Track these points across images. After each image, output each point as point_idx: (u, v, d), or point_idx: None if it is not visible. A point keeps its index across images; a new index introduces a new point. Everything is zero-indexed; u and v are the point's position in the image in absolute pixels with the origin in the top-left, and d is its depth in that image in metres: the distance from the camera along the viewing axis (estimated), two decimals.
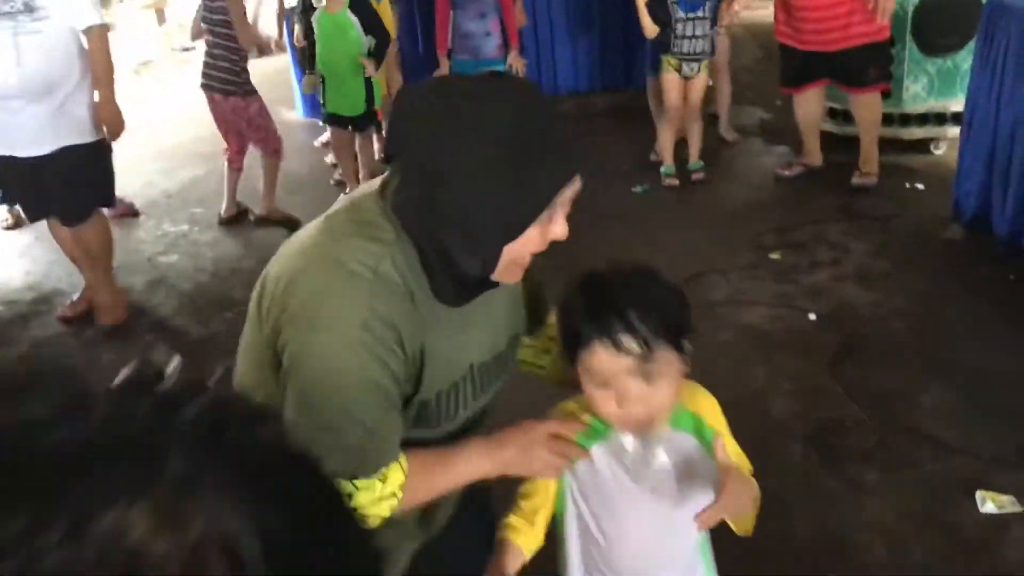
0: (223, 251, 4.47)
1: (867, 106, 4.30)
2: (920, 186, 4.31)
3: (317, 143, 5.72)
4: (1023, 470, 2.47)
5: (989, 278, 3.48)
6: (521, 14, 5.18)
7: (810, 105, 4.47)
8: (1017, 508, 2.34)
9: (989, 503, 2.34)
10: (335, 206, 1.24)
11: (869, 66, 4.17)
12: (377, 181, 1.22)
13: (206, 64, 4.54)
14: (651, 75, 4.80)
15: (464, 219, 1.08)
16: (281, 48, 5.76)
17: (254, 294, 1.24)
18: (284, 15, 5.45)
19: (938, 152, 4.62)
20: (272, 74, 7.02)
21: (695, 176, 4.68)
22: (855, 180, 4.35)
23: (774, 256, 3.84)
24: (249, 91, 4.53)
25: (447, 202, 1.07)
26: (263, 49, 5.90)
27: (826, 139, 4.85)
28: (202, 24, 4.53)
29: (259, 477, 0.39)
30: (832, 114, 4.83)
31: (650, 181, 4.70)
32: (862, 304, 3.43)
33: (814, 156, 4.59)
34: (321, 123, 5.27)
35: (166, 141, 6.08)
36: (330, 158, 5.28)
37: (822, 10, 4.11)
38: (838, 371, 3.01)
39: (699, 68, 4.47)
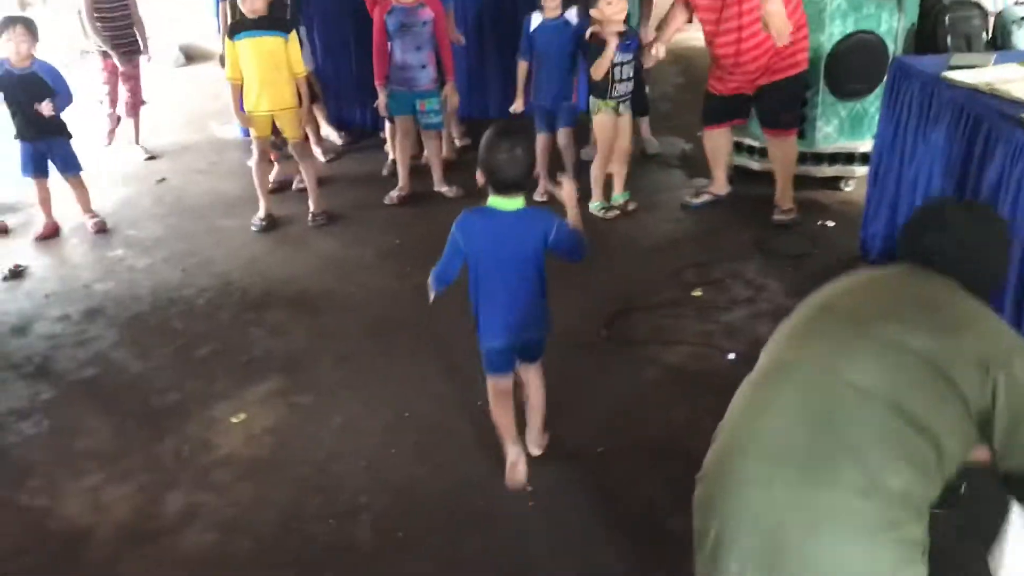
0: (161, 279, 4.51)
1: (781, 147, 4.59)
2: (831, 223, 4.58)
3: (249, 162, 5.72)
4: None
5: None
6: (454, 32, 5.32)
7: (719, 140, 4.82)
8: None
9: None
10: None
11: (782, 110, 4.48)
12: None
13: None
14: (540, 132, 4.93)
15: None
16: None
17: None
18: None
19: (847, 189, 4.92)
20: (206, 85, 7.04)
21: (629, 206, 4.90)
22: (775, 217, 4.61)
23: (695, 293, 4.07)
24: None
25: None
26: None
27: (742, 174, 5.13)
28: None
29: None
30: (750, 150, 5.10)
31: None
32: None
33: (720, 185, 4.92)
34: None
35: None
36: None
37: (749, 62, 4.36)
38: None
39: (627, 107, 4.70)
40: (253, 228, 4.97)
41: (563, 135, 4.95)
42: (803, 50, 4.41)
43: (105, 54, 5.76)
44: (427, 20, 4.82)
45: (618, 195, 4.94)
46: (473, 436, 3.20)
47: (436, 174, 5.26)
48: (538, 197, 4.79)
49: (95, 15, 5.65)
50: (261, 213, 5.02)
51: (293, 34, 4.73)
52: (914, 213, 2.20)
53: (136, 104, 5.99)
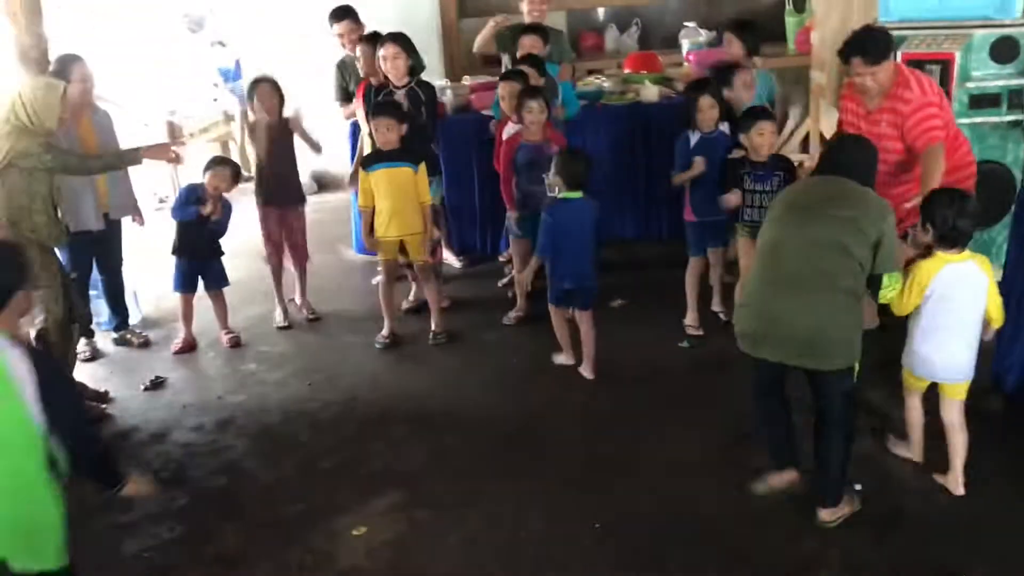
0: (289, 392, 4.70)
1: None
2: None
3: (374, 282, 5.94)
4: None
5: None
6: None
7: None
8: None
9: None
10: None
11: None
12: None
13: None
14: (693, 255, 5.05)
15: None
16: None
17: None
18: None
19: None
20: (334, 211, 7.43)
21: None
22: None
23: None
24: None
25: None
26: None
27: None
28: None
29: None
30: None
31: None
32: (906, 474, 3.55)
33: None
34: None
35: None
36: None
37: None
38: (885, 543, 3.13)
39: None
40: (377, 345, 5.15)
41: (713, 255, 5.06)
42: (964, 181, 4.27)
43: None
44: (552, 154, 5.02)
45: None
46: (589, 559, 3.18)
47: None
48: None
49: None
50: (385, 331, 5.21)
51: (422, 166, 5.01)
52: (829, 147, 3.77)
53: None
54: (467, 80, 6.79)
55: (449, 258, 6.37)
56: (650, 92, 6.31)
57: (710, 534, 3.28)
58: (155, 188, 8.01)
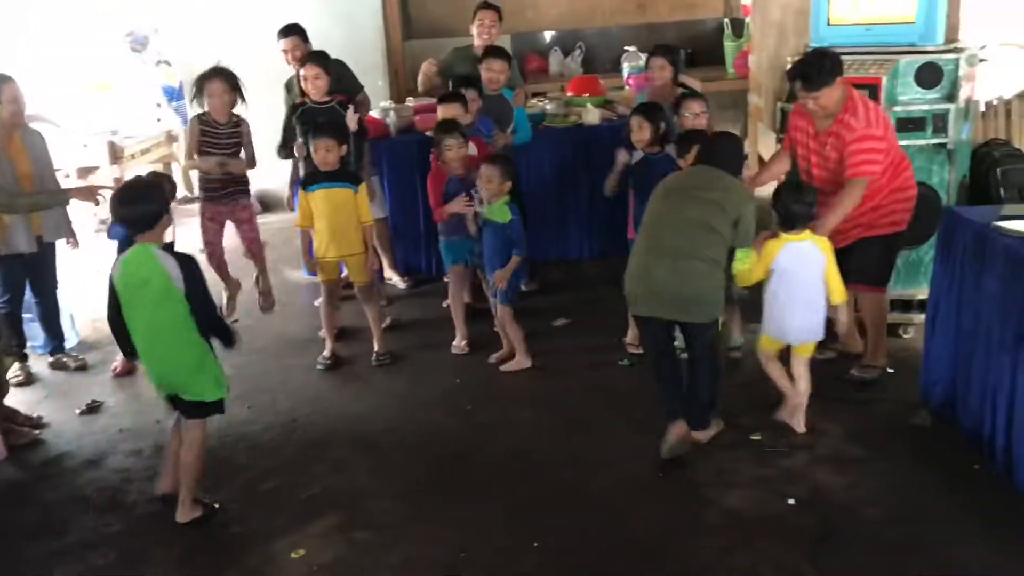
0: (228, 415, 4.64)
1: (865, 305, 4.53)
2: (891, 370, 4.56)
3: (316, 303, 5.92)
4: None
5: (956, 466, 3.71)
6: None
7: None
8: None
9: None
10: None
11: (865, 265, 4.38)
12: None
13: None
14: None
15: None
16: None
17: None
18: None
19: (907, 336, 4.92)
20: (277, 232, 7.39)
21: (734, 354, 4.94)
22: (854, 372, 4.53)
23: (755, 437, 4.06)
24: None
25: None
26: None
27: None
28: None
29: None
30: None
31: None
32: (837, 489, 3.63)
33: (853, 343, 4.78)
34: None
35: None
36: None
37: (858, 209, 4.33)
38: (817, 558, 3.19)
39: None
40: (319, 367, 5.13)
41: None
42: (898, 212, 4.37)
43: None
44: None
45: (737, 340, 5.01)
46: None
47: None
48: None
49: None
50: (327, 352, 5.20)
51: (362, 186, 5.03)
52: (705, 142, 4.32)
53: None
54: (411, 101, 6.82)
55: (393, 278, 6.38)
56: (592, 115, 6.42)
57: (651, 551, 3.31)
58: (96, 210, 7.89)
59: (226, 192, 5.51)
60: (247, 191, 5.67)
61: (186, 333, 3.55)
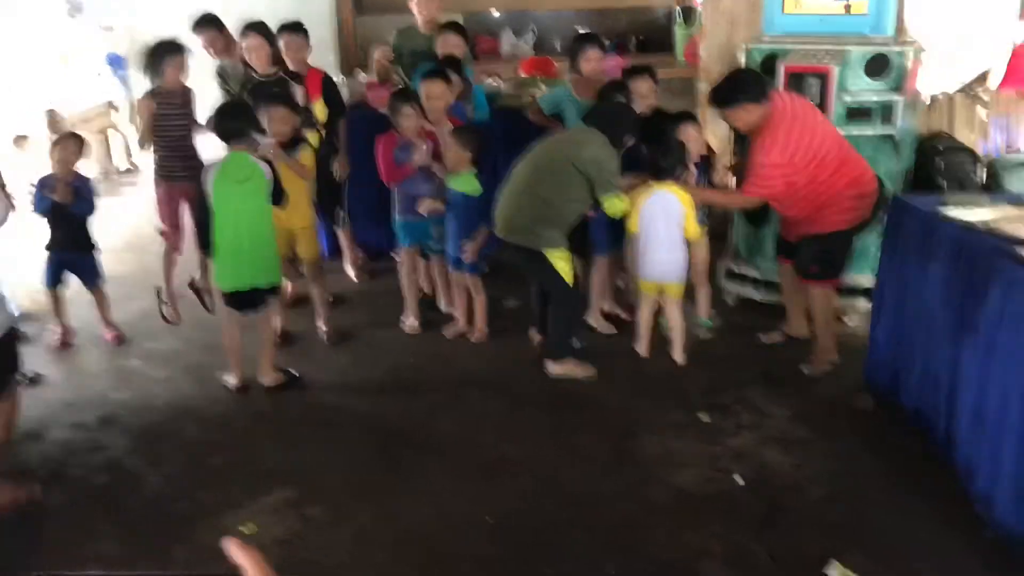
0: (176, 389, 4.58)
1: (814, 298, 4.58)
2: (835, 355, 4.67)
3: None
4: None
5: (898, 448, 3.82)
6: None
7: (785, 278, 4.84)
8: None
9: None
10: None
11: (810, 261, 4.47)
12: None
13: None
14: (598, 254, 5.18)
15: None
16: None
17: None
18: None
19: (852, 323, 5.04)
20: None
21: (702, 334, 5.05)
22: (804, 368, 4.58)
23: (703, 417, 4.13)
24: None
25: None
26: None
27: (749, 306, 5.28)
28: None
29: None
30: (754, 282, 5.28)
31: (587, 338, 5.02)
32: (783, 469, 3.71)
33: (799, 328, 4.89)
34: None
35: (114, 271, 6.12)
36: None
37: (796, 211, 4.48)
38: (764, 537, 3.26)
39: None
40: None
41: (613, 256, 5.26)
42: (846, 211, 4.37)
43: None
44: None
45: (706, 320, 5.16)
46: (479, 552, 3.21)
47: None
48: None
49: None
50: (277, 328, 5.13)
51: (304, 149, 4.96)
52: (591, 105, 4.78)
53: None
54: (362, 76, 6.75)
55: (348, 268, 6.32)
56: (543, 94, 6.40)
57: (602, 528, 3.35)
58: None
59: (187, 171, 5.25)
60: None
61: (269, 225, 4.43)
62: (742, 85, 4.29)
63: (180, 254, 5.55)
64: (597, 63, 5.34)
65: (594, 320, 5.18)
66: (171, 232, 5.49)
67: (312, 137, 5.64)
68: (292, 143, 4.88)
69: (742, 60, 5.15)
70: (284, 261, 5.09)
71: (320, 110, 5.64)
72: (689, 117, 4.86)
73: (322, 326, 5.16)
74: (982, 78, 7.33)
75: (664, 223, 4.55)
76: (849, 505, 3.45)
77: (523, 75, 7.12)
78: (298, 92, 5.38)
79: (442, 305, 5.44)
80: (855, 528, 3.29)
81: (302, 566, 3.17)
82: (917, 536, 3.23)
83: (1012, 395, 3.06)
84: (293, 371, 4.66)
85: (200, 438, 4.10)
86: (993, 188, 5.55)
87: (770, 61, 5.01)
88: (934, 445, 3.70)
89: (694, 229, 4.59)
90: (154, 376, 4.74)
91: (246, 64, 5.46)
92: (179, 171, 5.33)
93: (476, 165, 4.89)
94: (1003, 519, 3.09)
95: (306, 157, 4.94)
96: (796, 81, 4.81)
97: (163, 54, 5.20)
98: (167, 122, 5.27)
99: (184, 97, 5.34)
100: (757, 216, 5.20)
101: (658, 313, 4.84)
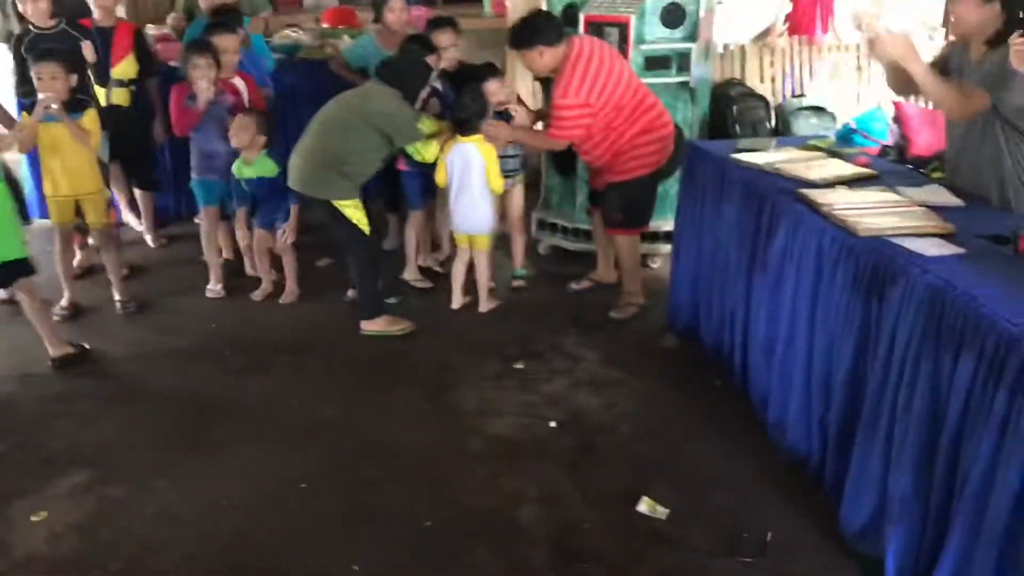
0: None
1: (619, 246, 4.70)
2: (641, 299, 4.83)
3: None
4: (731, 559, 2.87)
5: (699, 383, 3.99)
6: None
7: (597, 227, 4.96)
8: None
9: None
10: None
11: (614, 209, 4.57)
12: None
13: None
14: (414, 208, 5.13)
15: None
16: None
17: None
18: None
19: (654, 266, 5.22)
20: None
21: (516, 284, 5.08)
22: (612, 313, 4.70)
23: (518, 366, 4.18)
24: None
25: None
26: None
27: (560, 255, 5.37)
28: None
29: None
30: (564, 231, 5.36)
31: (402, 293, 4.96)
32: (595, 410, 3.81)
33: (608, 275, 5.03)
34: None
35: None
36: None
37: (596, 158, 4.56)
38: (577, 476, 3.34)
39: (514, 183, 4.91)
40: (55, 318, 4.71)
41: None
42: (643, 155, 4.47)
43: None
44: (229, 104, 4.87)
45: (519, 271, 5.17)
46: (294, 517, 3.13)
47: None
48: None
49: None
50: (64, 302, 4.78)
51: (90, 112, 4.60)
52: (384, 62, 4.66)
53: None
54: (151, 29, 6.34)
55: (131, 220, 5.96)
56: (347, 46, 6.22)
57: (420, 483, 3.32)
58: None
59: None
60: None
61: None
62: (537, 27, 4.30)
63: None
64: (401, 13, 5.24)
65: (410, 274, 5.13)
66: None
67: (120, 96, 5.29)
68: (75, 105, 4.51)
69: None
70: (69, 228, 4.75)
71: (129, 67, 5.27)
72: (492, 69, 4.82)
73: (117, 295, 4.85)
74: (771, 28, 7.71)
75: (467, 175, 4.56)
76: (655, 440, 3.58)
77: (326, 26, 6.88)
78: (87, 48, 4.98)
79: (248, 268, 5.23)
80: (661, 461, 3.42)
81: (103, 551, 2.98)
82: (717, 465, 3.39)
83: (798, 327, 3.25)
84: (84, 344, 4.36)
85: None
86: (783, 133, 5.87)
87: (571, 10, 5.07)
88: (732, 378, 3.89)
89: (496, 182, 4.59)
90: None
91: (21, 18, 5.01)
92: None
93: (267, 142, 4.82)
94: (793, 444, 3.29)
95: (89, 120, 4.56)
96: (596, 30, 4.88)
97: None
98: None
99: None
100: (565, 166, 5.28)
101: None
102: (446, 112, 4.71)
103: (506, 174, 4.75)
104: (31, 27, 5.01)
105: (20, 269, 4.10)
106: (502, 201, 4.89)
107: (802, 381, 3.22)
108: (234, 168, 4.81)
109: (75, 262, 5.15)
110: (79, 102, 4.57)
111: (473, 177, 4.56)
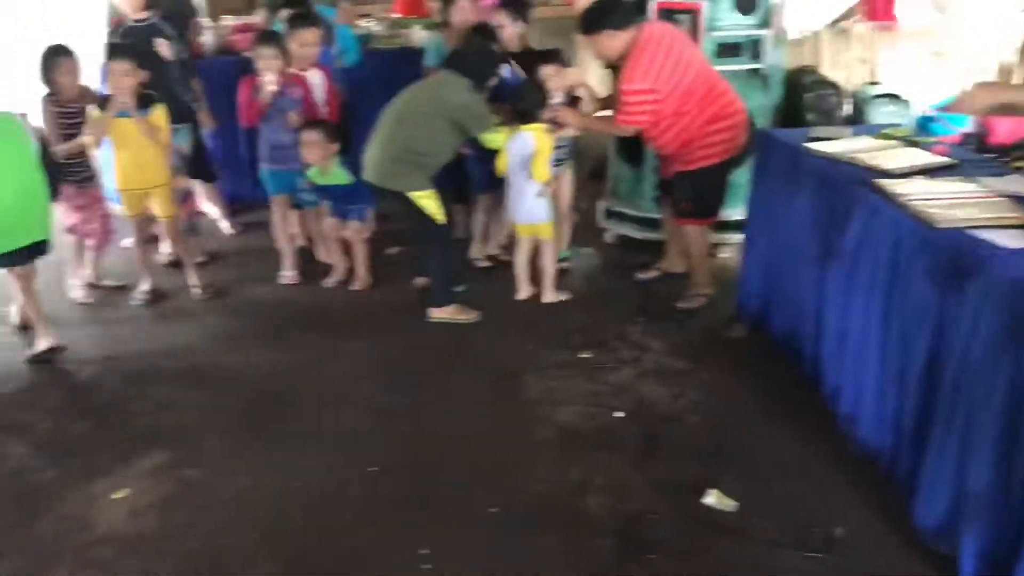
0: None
1: (689, 236, 4.64)
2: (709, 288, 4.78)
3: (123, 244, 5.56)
4: (798, 553, 2.83)
5: (770, 374, 3.94)
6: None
7: (666, 215, 4.91)
8: None
9: None
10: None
11: (684, 199, 4.53)
12: None
13: None
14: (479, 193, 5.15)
15: None
16: None
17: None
18: None
19: (724, 256, 5.16)
20: None
21: (561, 265, 5.05)
22: (680, 303, 4.66)
23: (584, 355, 4.17)
24: None
25: None
26: None
27: (627, 244, 5.34)
28: None
29: None
30: (631, 220, 5.34)
31: (468, 281, 5.00)
32: (661, 400, 3.79)
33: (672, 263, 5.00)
34: None
35: None
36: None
37: (664, 145, 4.50)
38: (644, 466, 3.33)
39: (562, 170, 4.91)
40: (134, 303, 4.86)
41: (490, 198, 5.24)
42: (714, 144, 4.39)
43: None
44: (296, 97, 4.94)
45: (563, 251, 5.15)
46: (363, 501, 3.18)
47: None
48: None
49: None
50: (145, 287, 4.93)
51: (159, 108, 4.70)
52: (454, 53, 4.73)
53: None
54: (229, 20, 6.47)
55: (208, 210, 6.11)
56: (420, 37, 6.27)
57: (485, 469, 3.35)
58: None
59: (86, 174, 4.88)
60: None
61: (30, 183, 4.15)
62: (605, 10, 4.29)
63: None
64: (468, 14, 5.24)
65: (476, 253, 5.17)
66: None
67: None
68: (145, 101, 4.63)
69: None
70: (142, 219, 4.90)
71: None
72: (553, 55, 4.80)
73: (193, 281, 4.98)
74: (847, 14, 7.54)
75: (522, 166, 4.58)
76: (724, 431, 3.55)
77: (397, 15, 6.94)
78: (163, 46, 5.10)
79: (320, 255, 5.32)
80: (729, 453, 3.39)
81: (182, 530, 3.08)
82: (787, 457, 3.35)
83: (872, 317, 3.18)
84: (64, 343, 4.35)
85: (66, 404, 3.92)
86: (857, 121, 5.73)
87: None
88: (803, 369, 3.83)
89: (541, 171, 4.54)
90: (15, 343, 4.50)
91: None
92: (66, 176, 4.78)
93: (342, 149, 4.90)
94: (865, 437, 3.23)
95: (159, 117, 4.68)
96: (667, 17, 4.84)
97: (53, 58, 4.65)
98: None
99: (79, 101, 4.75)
100: (633, 155, 5.25)
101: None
102: (507, 101, 4.72)
103: (555, 162, 4.73)
104: (125, 20, 5.13)
105: (43, 249, 4.24)
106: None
107: (876, 373, 3.16)
108: (310, 173, 4.88)
109: (166, 252, 5.33)
110: (148, 98, 4.68)
111: (526, 165, 4.58)
